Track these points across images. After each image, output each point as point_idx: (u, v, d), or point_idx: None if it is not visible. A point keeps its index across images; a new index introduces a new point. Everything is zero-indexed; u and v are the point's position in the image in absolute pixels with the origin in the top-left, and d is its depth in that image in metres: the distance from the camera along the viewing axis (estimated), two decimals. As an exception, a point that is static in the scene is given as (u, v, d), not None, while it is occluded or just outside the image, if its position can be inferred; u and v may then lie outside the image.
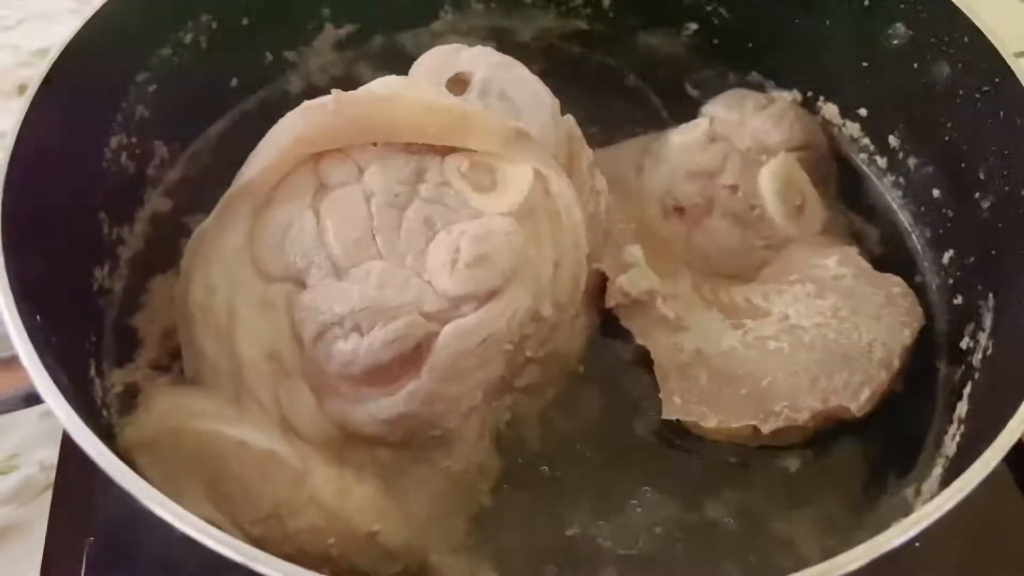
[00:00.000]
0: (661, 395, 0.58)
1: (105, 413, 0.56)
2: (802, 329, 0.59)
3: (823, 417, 0.57)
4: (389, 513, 0.52)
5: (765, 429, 0.56)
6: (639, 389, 0.60)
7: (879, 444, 0.58)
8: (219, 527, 0.48)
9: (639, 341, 0.60)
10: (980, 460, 0.43)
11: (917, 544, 0.42)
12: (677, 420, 0.58)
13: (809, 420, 0.56)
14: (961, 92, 0.62)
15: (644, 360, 0.60)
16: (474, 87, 0.59)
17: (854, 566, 0.40)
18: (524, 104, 0.59)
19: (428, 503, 0.54)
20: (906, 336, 0.58)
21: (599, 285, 0.62)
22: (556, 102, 0.60)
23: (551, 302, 0.54)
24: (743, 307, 0.61)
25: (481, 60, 0.60)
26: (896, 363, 0.58)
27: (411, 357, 0.51)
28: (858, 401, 0.56)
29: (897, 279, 0.62)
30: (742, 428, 0.56)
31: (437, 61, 0.61)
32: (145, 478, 0.49)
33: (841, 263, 0.62)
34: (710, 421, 0.56)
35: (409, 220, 0.52)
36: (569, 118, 0.62)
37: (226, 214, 0.54)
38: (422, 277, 0.51)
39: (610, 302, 0.61)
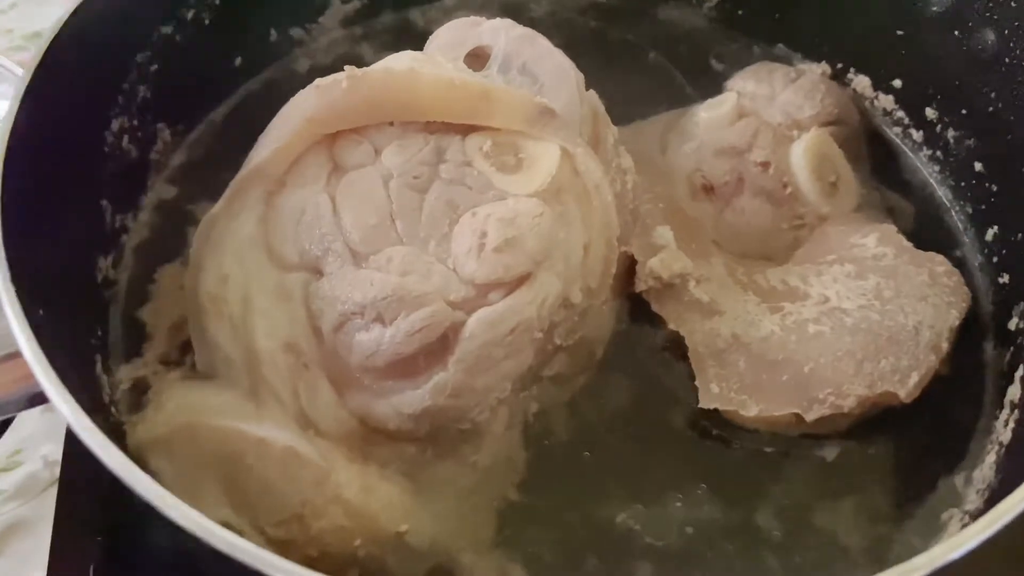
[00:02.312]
0: (697, 383, 0.55)
1: (113, 411, 0.53)
2: (844, 312, 0.56)
3: (869, 404, 0.54)
4: (416, 512, 0.50)
5: (809, 417, 0.53)
6: (671, 376, 0.58)
7: (924, 430, 0.56)
8: (239, 531, 0.46)
9: (672, 326, 0.57)
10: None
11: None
12: (714, 409, 0.55)
13: (855, 407, 0.54)
14: (1007, 60, 0.59)
15: (676, 346, 0.58)
16: (494, 62, 0.56)
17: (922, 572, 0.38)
18: (547, 79, 0.56)
19: (456, 499, 0.52)
20: (953, 317, 0.56)
21: (628, 268, 0.59)
22: (581, 76, 0.57)
23: (581, 287, 0.52)
24: (780, 290, 0.59)
25: (501, 33, 0.57)
26: (944, 346, 0.55)
27: (437, 348, 0.48)
28: (907, 387, 0.53)
29: (940, 257, 0.60)
30: (784, 417, 0.54)
31: (454, 35, 0.58)
32: (159, 479, 0.47)
33: (881, 242, 0.59)
34: (750, 410, 0.54)
35: (430, 203, 0.50)
36: (592, 94, 0.59)
37: (237, 199, 0.51)
38: (446, 263, 0.48)
39: (640, 286, 0.58)
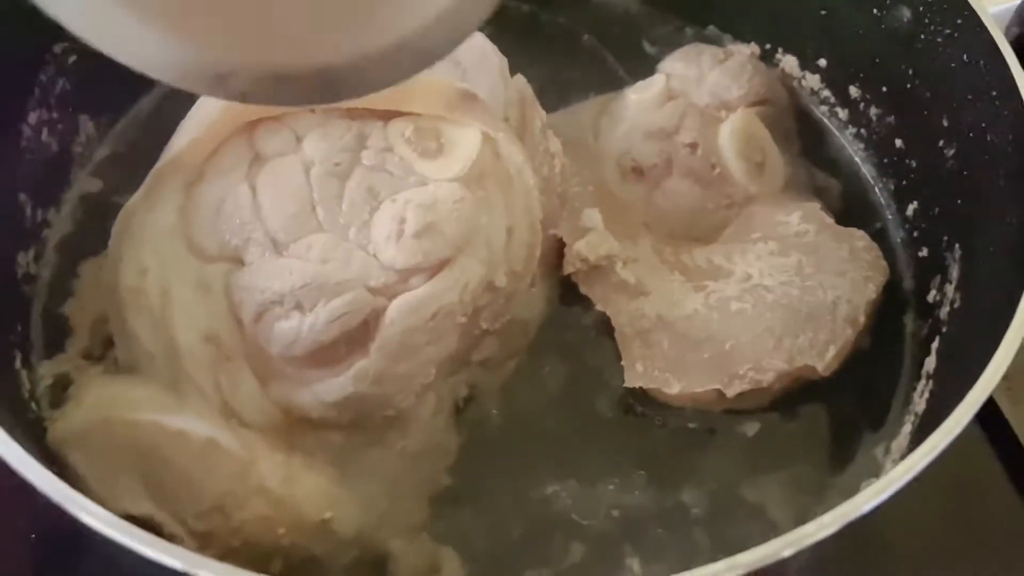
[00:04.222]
0: (623, 363, 0.56)
1: (34, 407, 0.52)
2: (765, 288, 0.57)
3: (789, 378, 0.55)
4: (341, 500, 0.50)
5: (729, 393, 0.54)
6: (600, 357, 0.58)
7: (846, 403, 0.57)
8: (160, 523, 0.46)
9: (599, 308, 0.58)
10: (951, 418, 0.41)
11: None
12: (640, 388, 0.56)
13: (775, 382, 0.54)
14: (922, 36, 0.60)
15: (605, 327, 0.58)
16: (416, 47, 0.56)
17: (823, 534, 0.39)
18: (470, 64, 0.56)
19: (384, 486, 0.52)
20: (871, 291, 0.57)
21: (556, 251, 0.59)
22: (504, 61, 0.57)
23: (505, 271, 0.52)
24: (705, 268, 0.59)
25: None
26: (862, 319, 0.56)
27: (357, 335, 0.48)
28: (824, 360, 0.54)
29: (860, 232, 0.60)
30: (706, 393, 0.54)
31: (377, 21, 0.58)
32: (77, 473, 0.46)
33: (804, 219, 0.60)
34: (673, 387, 0.54)
35: (351, 190, 0.49)
36: (519, 78, 0.59)
37: (155, 190, 0.50)
38: (367, 249, 0.48)
39: (568, 268, 0.58)
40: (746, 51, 0.71)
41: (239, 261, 0.49)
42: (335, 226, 0.48)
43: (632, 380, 0.55)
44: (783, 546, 0.37)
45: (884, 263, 0.59)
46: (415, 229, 0.47)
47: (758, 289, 0.57)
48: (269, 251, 0.49)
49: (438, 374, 0.51)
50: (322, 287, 0.47)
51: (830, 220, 0.61)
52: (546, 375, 0.58)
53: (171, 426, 0.47)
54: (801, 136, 0.69)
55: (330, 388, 0.48)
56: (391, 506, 0.52)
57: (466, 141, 0.51)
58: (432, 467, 0.54)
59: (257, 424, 0.49)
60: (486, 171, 0.51)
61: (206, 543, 0.47)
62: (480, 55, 0.57)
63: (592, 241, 0.58)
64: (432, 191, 0.49)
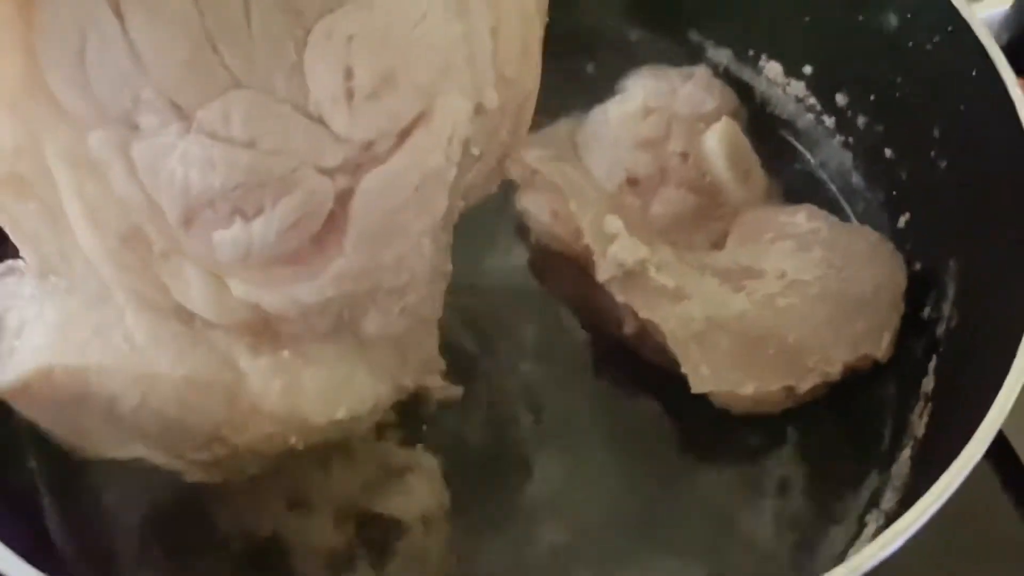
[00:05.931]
0: (684, 369, 0.51)
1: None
2: (805, 283, 0.56)
3: (847, 370, 0.53)
4: (349, 391, 0.41)
5: (801, 388, 0.52)
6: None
7: (840, 426, 0.55)
8: (155, 462, 0.40)
9: (643, 316, 0.54)
10: (963, 454, 0.39)
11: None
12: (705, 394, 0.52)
13: (841, 373, 0.53)
14: (911, 43, 0.58)
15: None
16: None
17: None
18: None
19: (390, 347, 0.43)
20: (901, 278, 0.56)
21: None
22: None
23: (494, 81, 0.38)
24: (735, 270, 0.57)
25: None
26: (902, 305, 0.55)
27: (326, 230, 0.37)
28: (881, 347, 0.54)
29: (868, 228, 0.60)
30: (776, 392, 0.52)
31: None
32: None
33: (810, 218, 0.59)
34: (746, 388, 0.51)
35: (260, 9, 0.33)
36: None
37: None
38: (307, 112, 0.34)
39: (603, 276, 0.55)
40: (705, 71, 0.68)
41: (132, 126, 0.35)
42: (252, 74, 0.34)
43: (700, 385, 0.51)
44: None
45: (900, 255, 0.58)
46: (370, 87, 0.34)
47: (798, 284, 0.56)
48: (171, 119, 0.34)
49: (433, 238, 0.40)
50: (263, 184, 0.35)
51: (835, 218, 0.60)
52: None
53: (130, 370, 0.37)
54: (788, 144, 0.68)
55: (305, 290, 0.38)
56: (403, 357, 0.43)
57: None
58: (438, 295, 0.44)
59: (225, 322, 0.39)
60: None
61: (212, 470, 0.40)
62: None
63: (625, 245, 0.55)
64: (382, 13, 0.34)
